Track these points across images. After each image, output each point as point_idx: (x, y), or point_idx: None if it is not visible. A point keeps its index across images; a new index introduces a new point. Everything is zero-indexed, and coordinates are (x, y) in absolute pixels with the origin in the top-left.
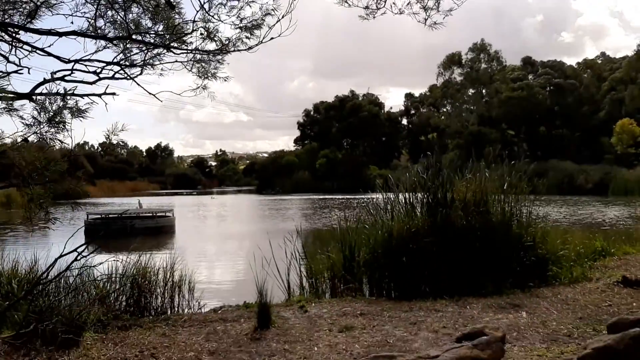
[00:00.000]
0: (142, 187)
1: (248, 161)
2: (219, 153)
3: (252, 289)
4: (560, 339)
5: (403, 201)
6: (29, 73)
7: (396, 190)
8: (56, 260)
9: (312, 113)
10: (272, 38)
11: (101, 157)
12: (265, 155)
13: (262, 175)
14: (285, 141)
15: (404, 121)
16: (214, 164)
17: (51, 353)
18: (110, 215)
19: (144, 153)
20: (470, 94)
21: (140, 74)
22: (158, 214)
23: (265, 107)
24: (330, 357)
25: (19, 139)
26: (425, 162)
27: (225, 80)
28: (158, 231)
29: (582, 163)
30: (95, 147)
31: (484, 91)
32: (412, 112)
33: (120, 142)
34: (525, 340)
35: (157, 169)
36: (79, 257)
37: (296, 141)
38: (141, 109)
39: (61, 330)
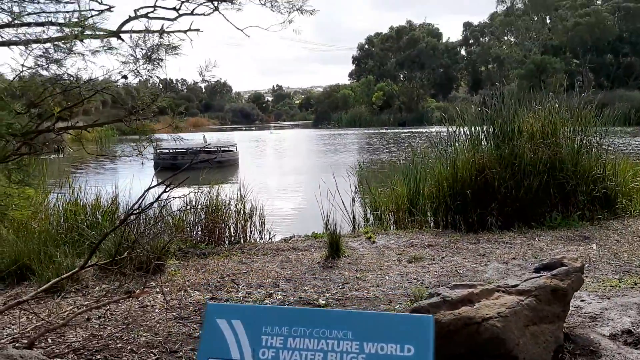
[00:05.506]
0: (202, 123)
1: (303, 96)
2: (275, 88)
3: (318, 221)
4: (633, 270)
5: (467, 134)
6: (110, 11)
7: (459, 123)
8: (146, 191)
9: (366, 46)
10: None
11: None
12: (320, 89)
13: (318, 110)
14: (341, 76)
15: (463, 52)
16: (270, 99)
17: (141, 278)
18: (177, 150)
19: (203, 89)
20: (533, 21)
21: (217, 9)
22: (222, 149)
23: (321, 40)
24: (403, 286)
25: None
26: (487, 93)
27: (311, 14)
28: (223, 165)
29: None
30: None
31: (547, 19)
32: (471, 41)
33: (212, 79)
34: (598, 271)
35: (216, 104)
36: (167, 190)
37: (350, 75)
38: (198, 46)
39: (151, 258)
